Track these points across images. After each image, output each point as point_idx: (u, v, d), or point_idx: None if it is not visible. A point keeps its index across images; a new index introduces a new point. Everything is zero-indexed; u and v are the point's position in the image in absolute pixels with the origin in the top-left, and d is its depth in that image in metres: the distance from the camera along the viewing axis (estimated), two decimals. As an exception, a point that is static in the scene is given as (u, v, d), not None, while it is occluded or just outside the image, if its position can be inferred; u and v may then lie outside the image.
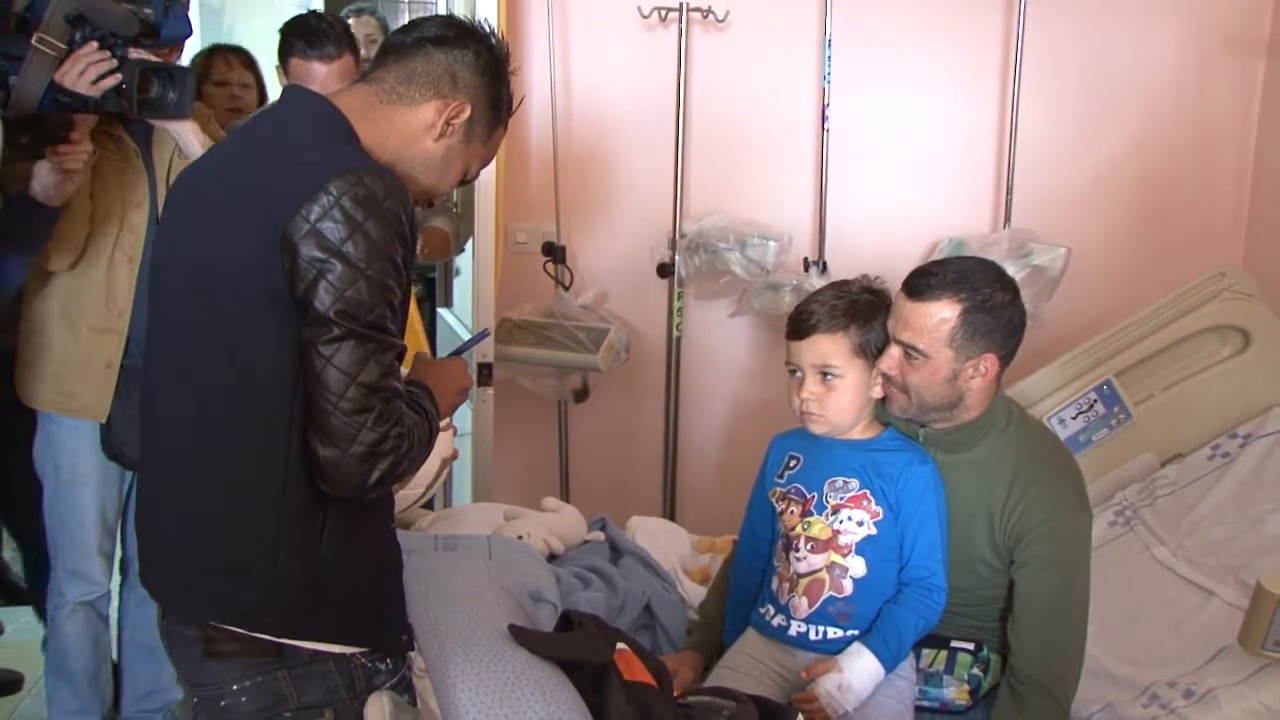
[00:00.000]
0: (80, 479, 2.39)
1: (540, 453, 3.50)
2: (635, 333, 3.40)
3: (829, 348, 1.90)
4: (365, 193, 1.38)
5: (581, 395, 3.35)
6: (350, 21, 3.85)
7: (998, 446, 1.92)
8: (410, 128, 1.55)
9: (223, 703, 1.48)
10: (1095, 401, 2.91)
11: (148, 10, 2.15)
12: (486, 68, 1.58)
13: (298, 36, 2.72)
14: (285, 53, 2.75)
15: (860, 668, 1.84)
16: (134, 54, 2.15)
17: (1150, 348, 2.92)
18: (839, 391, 1.90)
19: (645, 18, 3.27)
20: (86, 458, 2.38)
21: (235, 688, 1.47)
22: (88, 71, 2.09)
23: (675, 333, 3.40)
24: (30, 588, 3.16)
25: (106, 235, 2.31)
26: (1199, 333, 2.92)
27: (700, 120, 3.36)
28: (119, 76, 2.11)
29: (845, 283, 1.99)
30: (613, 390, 3.45)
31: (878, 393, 1.91)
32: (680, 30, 3.25)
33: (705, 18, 3.27)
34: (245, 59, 3.39)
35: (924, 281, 1.86)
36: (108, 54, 2.11)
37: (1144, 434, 2.91)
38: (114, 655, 2.63)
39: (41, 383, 2.36)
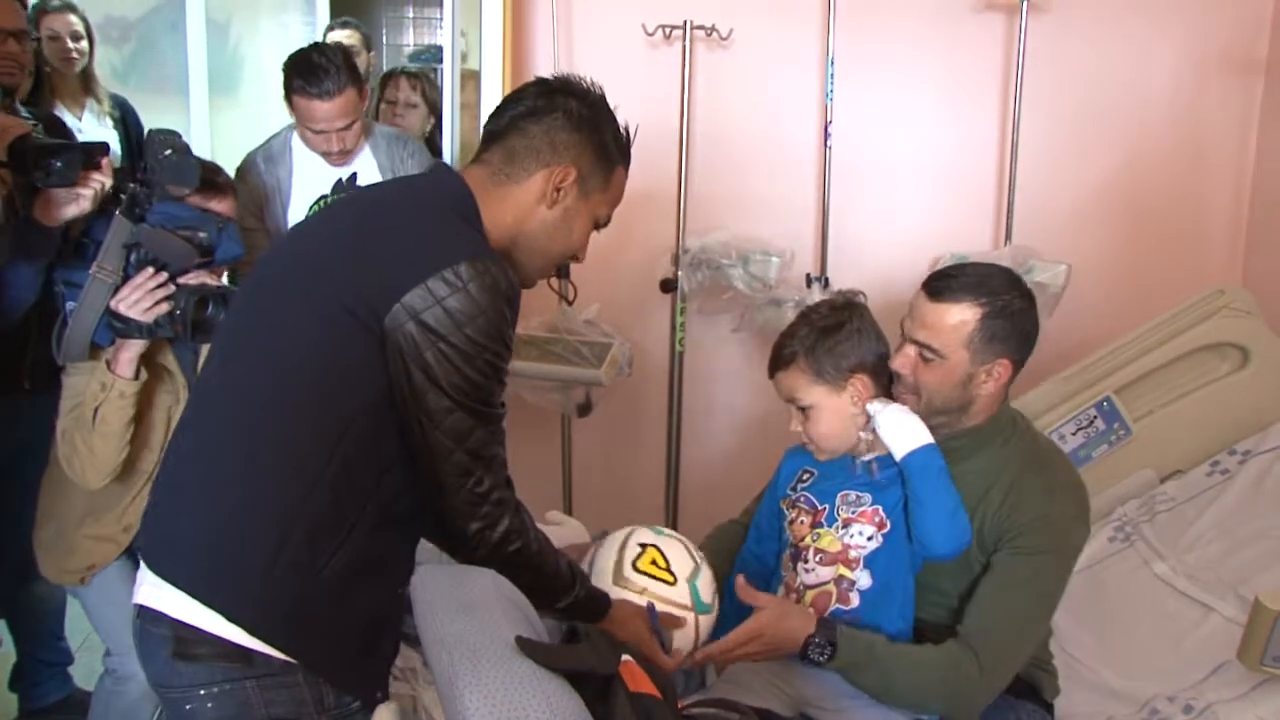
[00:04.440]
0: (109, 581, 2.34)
1: (544, 466, 3.52)
2: (638, 347, 3.42)
3: (789, 382, 1.92)
4: (491, 281, 1.47)
5: (585, 409, 3.37)
6: (331, 35, 3.90)
7: (999, 457, 1.91)
8: (524, 203, 1.62)
9: (188, 707, 1.48)
10: (1095, 417, 2.93)
11: (202, 234, 2.20)
12: (582, 122, 1.63)
13: (297, 74, 2.74)
14: (288, 89, 2.77)
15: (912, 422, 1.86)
16: (191, 276, 2.19)
17: (1150, 364, 2.94)
18: (814, 421, 1.91)
19: (650, 35, 3.30)
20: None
21: (202, 693, 1.47)
22: (143, 300, 2.14)
23: (678, 348, 3.42)
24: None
25: (143, 460, 2.27)
26: (1198, 349, 2.94)
27: (704, 137, 3.39)
28: (171, 303, 2.16)
29: (816, 306, 2.00)
30: (616, 404, 3.47)
31: (859, 408, 1.90)
32: (684, 48, 3.29)
33: (709, 36, 3.30)
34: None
35: (944, 283, 1.86)
36: (164, 278, 2.16)
37: (1144, 450, 2.93)
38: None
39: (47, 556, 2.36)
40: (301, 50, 2.79)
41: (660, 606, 1.78)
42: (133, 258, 2.16)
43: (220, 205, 2.29)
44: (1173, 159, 3.43)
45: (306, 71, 2.72)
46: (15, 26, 2.42)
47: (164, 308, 2.16)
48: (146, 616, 1.51)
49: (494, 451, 1.55)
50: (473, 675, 1.45)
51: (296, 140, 2.91)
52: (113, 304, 2.14)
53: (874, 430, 1.89)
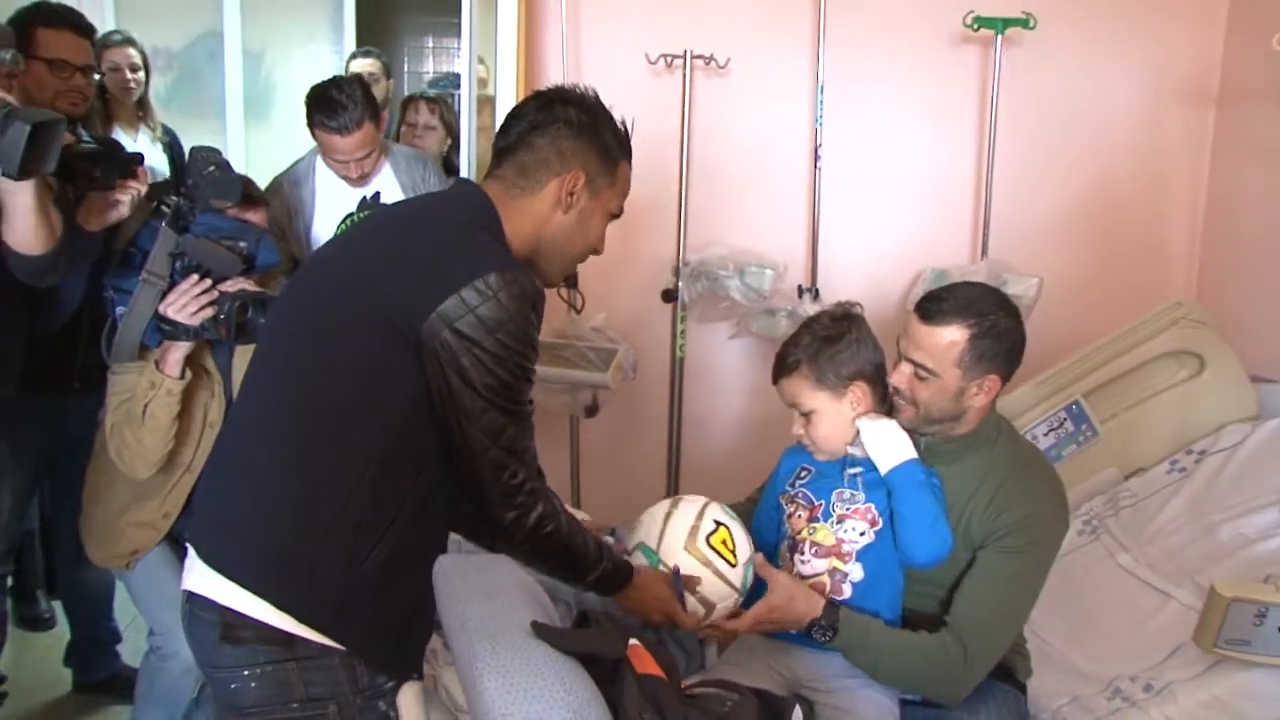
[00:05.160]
0: (152, 567, 2.34)
1: (553, 464, 3.46)
2: (642, 353, 3.42)
3: (792, 388, 1.91)
4: (518, 290, 1.48)
5: (592, 411, 3.37)
6: (353, 63, 3.91)
7: (986, 460, 1.92)
8: (540, 211, 1.62)
9: (233, 685, 1.50)
10: (1065, 420, 2.94)
11: (243, 244, 2.22)
12: (582, 128, 1.63)
13: (319, 110, 2.73)
14: (310, 122, 2.77)
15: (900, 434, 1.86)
16: (231, 283, 2.21)
17: (1115, 370, 2.96)
18: (815, 424, 1.91)
19: (652, 64, 3.31)
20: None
21: (246, 673, 1.49)
22: (189, 305, 2.15)
23: (679, 353, 3.43)
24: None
25: (182, 453, 2.29)
26: (1158, 357, 2.96)
27: (703, 158, 3.40)
28: (215, 308, 2.18)
29: (818, 316, 1.99)
30: (621, 406, 3.48)
31: (860, 411, 1.90)
32: (685, 75, 3.30)
33: (708, 64, 3.32)
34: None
35: (935, 306, 1.87)
36: (208, 284, 2.17)
37: (1109, 450, 2.94)
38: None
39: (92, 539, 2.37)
40: (322, 85, 2.78)
41: (714, 580, 1.81)
42: (177, 265, 2.18)
43: (255, 217, 2.31)
44: (1134, 182, 3.46)
45: (326, 108, 2.72)
46: (84, 62, 2.45)
47: (209, 312, 2.18)
48: (195, 602, 1.53)
49: (525, 445, 1.57)
50: (491, 657, 1.46)
51: (321, 163, 2.92)
52: (161, 309, 2.16)
53: (860, 444, 1.89)
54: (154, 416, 2.19)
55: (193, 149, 2.28)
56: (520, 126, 1.64)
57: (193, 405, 2.28)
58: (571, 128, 1.63)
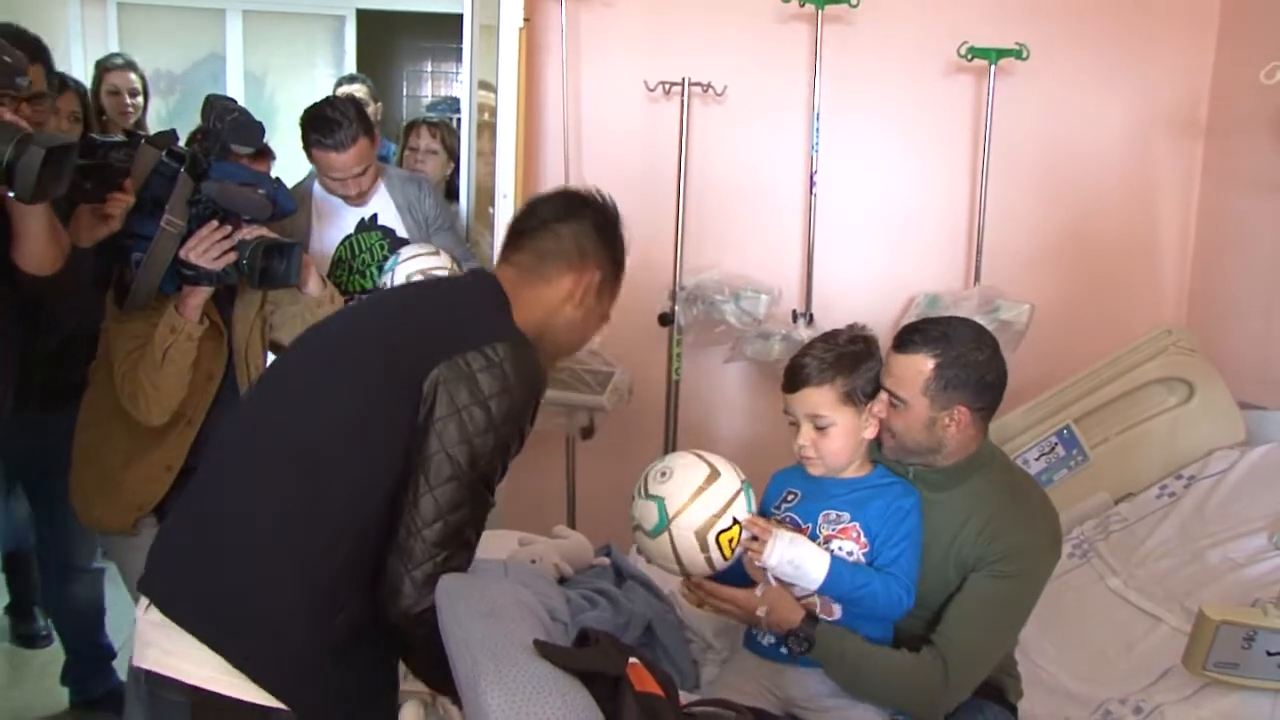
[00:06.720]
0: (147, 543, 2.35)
1: (550, 485, 3.54)
2: (638, 376, 3.44)
3: (817, 399, 1.89)
4: (525, 367, 1.50)
5: (588, 432, 3.39)
6: (339, 90, 3.95)
7: (979, 487, 1.93)
8: (552, 300, 1.66)
9: None
10: (1056, 444, 2.97)
11: (261, 190, 2.24)
12: (603, 231, 1.69)
13: (313, 129, 2.74)
14: (306, 142, 2.80)
15: (811, 550, 1.84)
16: (247, 229, 2.23)
17: (1105, 396, 3.00)
18: (830, 437, 1.90)
19: (651, 90, 3.36)
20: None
21: None
22: (211, 249, 2.18)
23: (674, 376, 3.46)
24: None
25: (183, 404, 2.29)
26: (1148, 383, 3.00)
27: (700, 184, 3.44)
28: (236, 253, 2.21)
29: (835, 333, 1.98)
30: (617, 428, 3.50)
31: (870, 434, 1.91)
32: (682, 103, 3.35)
33: (705, 91, 3.37)
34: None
35: (908, 336, 1.89)
36: (228, 230, 2.20)
37: (1099, 474, 2.98)
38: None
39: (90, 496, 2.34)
40: (316, 105, 2.79)
41: (701, 563, 1.83)
42: (192, 211, 2.20)
43: (263, 167, 2.36)
44: (1125, 211, 3.51)
45: (322, 126, 2.73)
46: (34, 92, 2.29)
47: (231, 257, 2.21)
48: (156, 682, 1.46)
49: (469, 537, 1.53)
50: (495, 674, 1.49)
51: (318, 187, 2.93)
52: (182, 253, 2.19)
53: (774, 578, 1.87)
54: (172, 361, 2.21)
55: (209, 96, 2.31)
56: (545, 214, 1.68)
57: (198, 356, 2.30)
58: (595, 228, 1.68)
